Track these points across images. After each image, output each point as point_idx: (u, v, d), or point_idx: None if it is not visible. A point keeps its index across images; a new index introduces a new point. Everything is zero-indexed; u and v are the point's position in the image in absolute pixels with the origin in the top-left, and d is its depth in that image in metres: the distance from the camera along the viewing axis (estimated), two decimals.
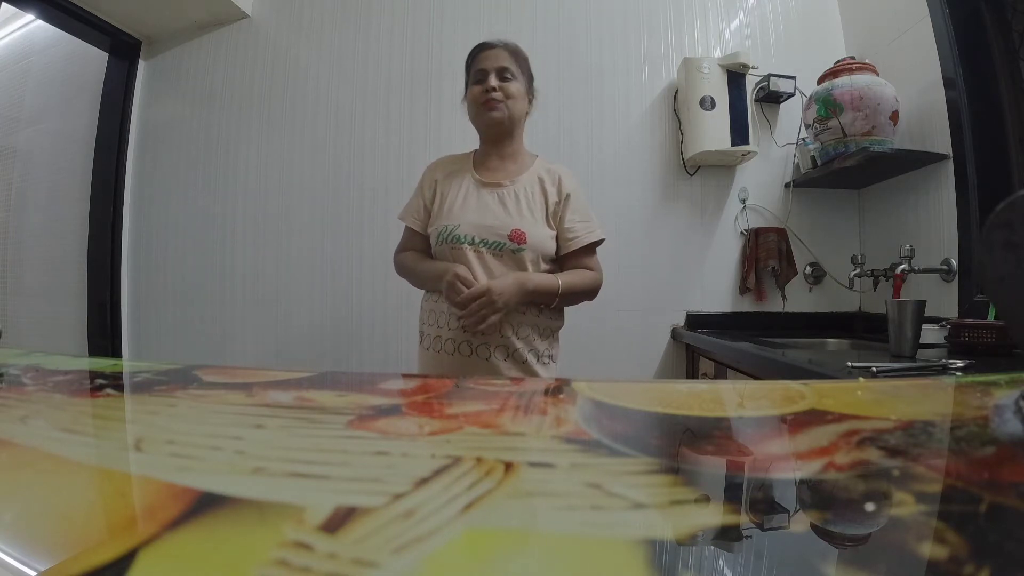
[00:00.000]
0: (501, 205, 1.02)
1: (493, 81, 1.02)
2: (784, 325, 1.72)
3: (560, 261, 1.06)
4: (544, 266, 1.02)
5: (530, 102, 1.09)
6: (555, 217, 1.04)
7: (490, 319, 0.93)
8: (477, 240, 0.98)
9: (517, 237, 0.98)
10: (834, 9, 1.84)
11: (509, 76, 1.03)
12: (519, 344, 0.99)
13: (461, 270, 0.95)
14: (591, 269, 1.05)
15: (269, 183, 1.86)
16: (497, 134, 1.06)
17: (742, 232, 1.79)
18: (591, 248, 1.06)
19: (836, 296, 1.77)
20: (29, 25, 2.28)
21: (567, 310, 1.09)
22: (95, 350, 1.91)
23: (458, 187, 1.05)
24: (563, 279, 1.00)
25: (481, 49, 1.05)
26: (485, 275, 0.97)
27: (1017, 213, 0.27)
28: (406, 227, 1.11)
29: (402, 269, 1.11)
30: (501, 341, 0.98)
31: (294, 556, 0.15)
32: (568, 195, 1.04)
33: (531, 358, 1.00)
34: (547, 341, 1.03)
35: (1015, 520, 0.18)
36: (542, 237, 1.01)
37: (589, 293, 1.05)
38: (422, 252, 1.08)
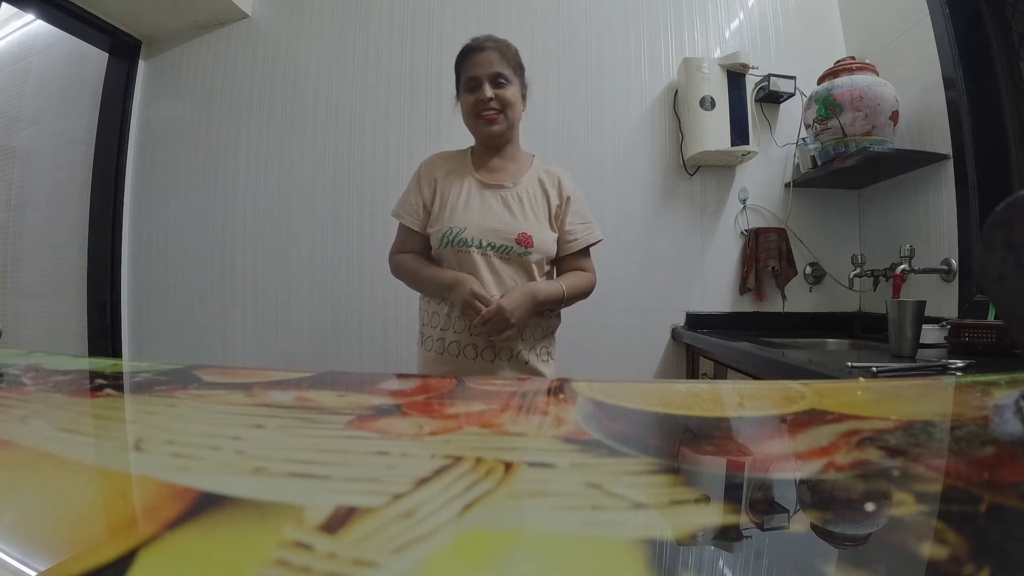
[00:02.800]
0: (506, 208, 1.01)
1: (488, 92, 0.99)
2: (784, 325, 1.72)
3: (558, 262, 1.07)
4: (546, 267, 1.04)
5: (524, 98, 1.06)
6: (557, 219, 1.05)
7: (505, 334, 0.95)
8: (484, 244, 0.98)
9: (524, 241, 0.98)
10: (834, 9, 1.84)
11: (503, 81, 1.00)
12: (522, 346, 1.00)
13: (475, 286, 0.94)
14: (586, 270, 1.08)
15: (269, 183, 1.86)
16: (497, 143, 1.05)
17: (742, 232, 1.79)
18: (587, 249, 1.08)
19: (836, 296, 1.77)
20: (29, 25, 2.28)
21: (564, 309, 1.10)
22: (95, 350, 1.91)
23: (459, 187, 1.02)
24: (566, 284, 1.01)
25: (470, 53, 1.02)
26: (493, 279, 0.98)
27: (1017, 213, 0.27)
28: (402, 225, 1.07)
29: (401, 272, 1.08)
30: (506, 344, 0.99)
31: (294, 556, 0.15)
32: (569, 198, 1.06)
33: (532, 358, 1.02)
34: (547, 340, 1.06)
35: (1015, 520, 0.18)
36: (547, 240, 1.02)
37: (586, 294, 1.07)
38: (421, 253, 1.07)
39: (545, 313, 1.04)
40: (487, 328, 0.94)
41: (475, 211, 1.00)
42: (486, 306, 0.93)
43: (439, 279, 0.99)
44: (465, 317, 0.96)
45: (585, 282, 1.06)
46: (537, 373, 1.02)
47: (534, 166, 1.08)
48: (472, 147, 1.10)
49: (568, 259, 1.06)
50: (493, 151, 1.06)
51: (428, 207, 1.04)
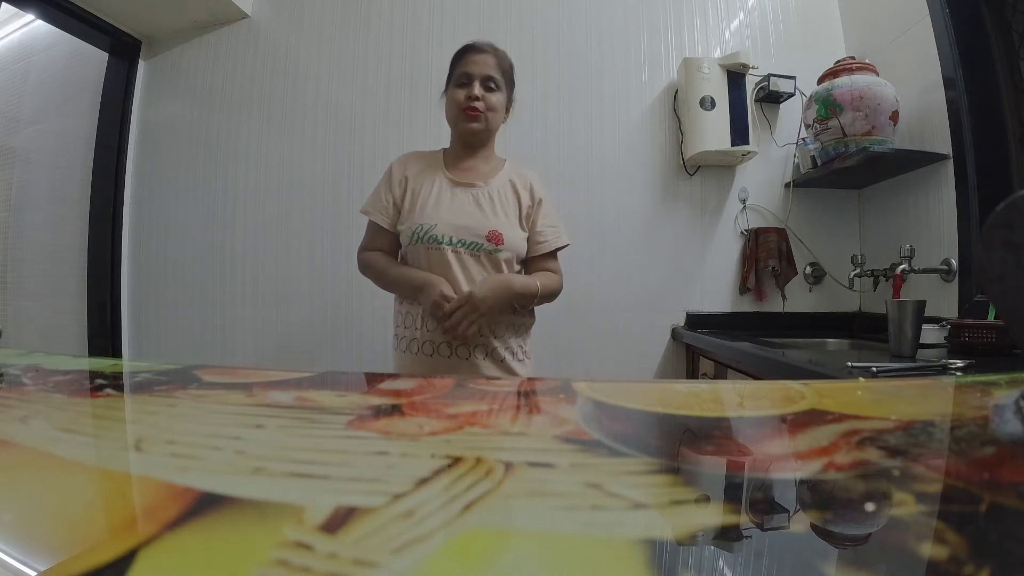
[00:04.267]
0: (477, 206, 1.02)
1: (477, 90, 1.01)
2: (784, 325, 1.72)
3: (527, 262, 1.08)
4: (516, 266, 1.05)
5: (507, 111, 1.09)
6: (528, 220, 1.06)
7: (472, 327, 0.94)
8: (455, 240, 0.98)
9: (495, 238, 0.99)
10: (834, 9, 1.84)
11: (493, 86, 1.03)
12: (496, 343, 1.00)
13: (445, 288, 0.94)
14: (555, 272, 1.09)
15: (269, 183, 1.86)
16: (473, 142, 1.07)
17: (742, 232, 1.79)
18: (555, 252, 1.10)
19: (836, 296, 1.77)
20: (29, 25, 2.28)
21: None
22: (95, 350, 1.91)
23: (430, 185, 1.03)
24: (540, 282, 1.02)
25: (469, 51, 1.04)
26: (464, 276, 0.98)
27: (1017, 213, 0.27)
28: (371, 222, 1.07)
29: (369, 270, 1.08)
30: (479, 341, 0.99)
31: (294, 556, 0.15)
32: (540, 200, 1.07)
33: (508, 356, 1.02)
34: (520, 338, 1.06)
35: (1015, 520, 0.18)
36: (517, 238, 1.03)
37: (555, 295, 1.08)
38: (389, 251, 1.07)
39: (517, 311, 1.04)
40: (456, 320, 0.93)
41: (446, 208, 1.01)
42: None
43: (408, 279, 1.00)
44: (433, 318, 0.96)
45: (555, 283, 1.07)
46: (511, 372, 1.02)
47: (506, 169, 1.09)
48: (445, 148, 1.11)
49: (537, 260, 1.07)
50: (467, 151, 1.07)
51: (398, 205, 1.05)
